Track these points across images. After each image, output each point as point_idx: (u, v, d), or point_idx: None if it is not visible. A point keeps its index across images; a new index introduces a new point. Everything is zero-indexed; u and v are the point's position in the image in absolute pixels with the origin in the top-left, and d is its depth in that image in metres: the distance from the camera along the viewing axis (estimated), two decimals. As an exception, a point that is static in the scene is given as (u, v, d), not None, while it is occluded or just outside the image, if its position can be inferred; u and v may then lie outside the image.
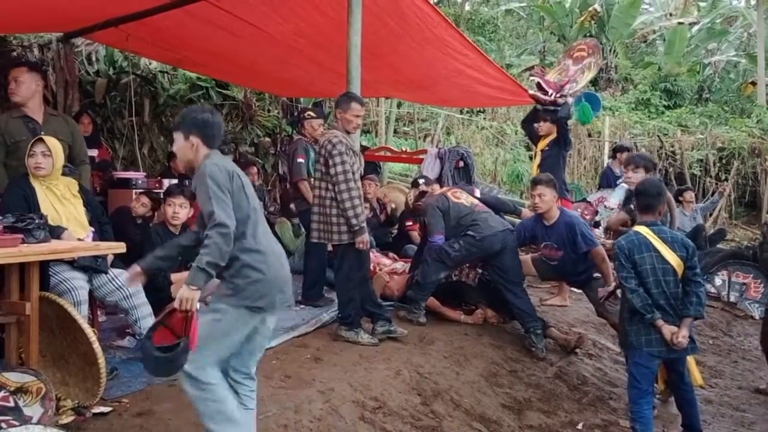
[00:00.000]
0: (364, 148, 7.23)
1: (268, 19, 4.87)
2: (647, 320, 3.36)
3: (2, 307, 2.84)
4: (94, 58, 7.40)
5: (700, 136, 14.44)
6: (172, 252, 2.69)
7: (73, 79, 6.06)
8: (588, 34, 17.70)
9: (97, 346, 2.81)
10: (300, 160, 5.20)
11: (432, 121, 14.10)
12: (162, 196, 4.71)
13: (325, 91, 7.92)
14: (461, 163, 6.80)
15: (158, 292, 3.73)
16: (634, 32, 20.62)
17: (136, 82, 7.12)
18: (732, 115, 16.49)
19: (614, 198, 5.34)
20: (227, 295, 2.48)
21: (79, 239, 3.28)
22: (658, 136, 14.11)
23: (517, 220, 7.01)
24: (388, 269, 5.57)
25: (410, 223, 6.46)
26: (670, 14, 21.22)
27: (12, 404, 2.66)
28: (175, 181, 5.51)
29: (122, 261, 3.58)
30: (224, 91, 8.49)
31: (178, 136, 2.58)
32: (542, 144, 6.19)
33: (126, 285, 3.30)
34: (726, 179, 13.38)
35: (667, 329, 3.33)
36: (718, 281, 7.56)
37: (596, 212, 5.46)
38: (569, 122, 6.32)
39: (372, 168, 7.76)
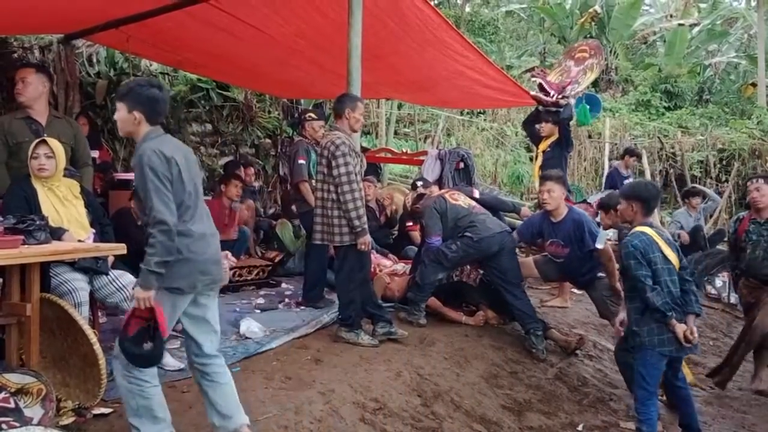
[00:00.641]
0: (364, 150, 7.23)
1: (269, 20, 4.87)
2: (666, 319, 3.36)
3: (3, 309, 2.85)
4: (94, 60, 7.40)
5: (701, 137, 14.45)
6: None
7: (74, 80, 6.05)
8: (588, 36, 17.72)
9: (97, 347, 2.81)
10: (301, 161, 5.21)
11: (432, 123, 14.12)
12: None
13: (326, 92, 7.91)
14: (461, 165, 6.81)
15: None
16: (635, 34, 20.65)
17: (137, 83, 7.11)
18: (732, 116, 16.50)
19: None
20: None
21: (80, 241, 3.28)
22: (658, 137, 14.12)
23: (517, 220, 7.03)
24: (389, 270, 5.57)
25: (410, 224, 6.47)
26: (671, 16, 21.24)
27: (12, 405, 2.67)
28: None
29: (123, 262, 3.58)
30: (225, 93, 8.49)
31: (121, 107, 2.60)
32: (544, 145, 6.20)
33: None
34: (726, 180, 13.39)
35: (680, 327, 3.36)
36: (718, 282, 7.56)
37: (596, 213, 5.45)
38: (571, 123, 6.33)
39: (372, 169, 7.77)
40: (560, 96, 6.11)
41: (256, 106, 8.91)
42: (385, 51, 5.29)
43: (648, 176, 11.10)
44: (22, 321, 2.83)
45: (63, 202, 3.39)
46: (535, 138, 6.51)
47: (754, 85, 17.81)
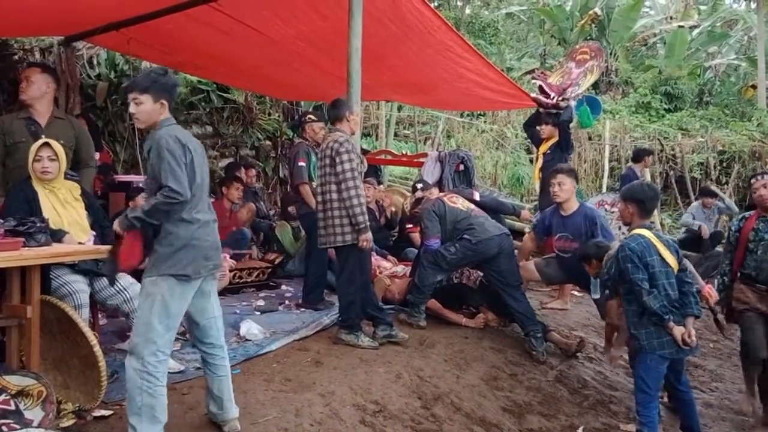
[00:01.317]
0: (364, 152, 7.24)
1: (270, 22, 4.88)
2: (664, 322, 3.35)
3: (3, 311, 2.85)
4: (95, 62, 7.41)
5: (701, 139, 14.44)
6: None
7: (75, 82, 6.06)
8: (588, 38, 17.72)
9: (98, 349, 2.81)
10: (301, 163, 5.21)
11: (432, 125, 14.12)
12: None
13: (326, 94, 7.90)
14: (461, 167, 6.81)
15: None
16: (635, 35, 20.66)
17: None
18: (732, 118, 16.49)
19: None
20: (153, 266, 2.61)
21: (81, 243, 3.28)
22: (658, 139, 14.12)
23: (517, 223, 7.02)
24: (389, 272, 5.58)
25: (410, 226, 6.47)
26: (671, 17, 21.24)
27: (13, 407, 2.67)
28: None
29: (123, 264, 3.58)
30: (225, 95, 8.50)
31: (146, 99, 2.66)
32: (544, 147, 6.21)
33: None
34: (727, 182, 13.39)
35: (678, 330, 3.35)
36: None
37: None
38: (571, 125, 6.34)
39: (372, 171, 7.77)
40: (560, 98, 6.12)
41: (256, 108, 8.92)
42: (385, 53, 5.30)
43: (648, 178, 11.09)
44: (22, 323, 2.83)
45: (63, 205, 3.40)
46: (536, 140, 6.52)
47: (754, 87, 17.81)
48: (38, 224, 2.93)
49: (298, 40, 5.23)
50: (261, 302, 5.29)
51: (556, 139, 6.05)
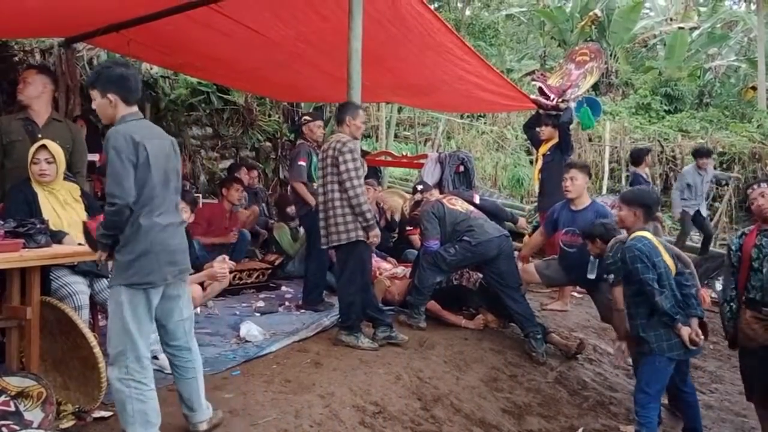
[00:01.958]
0: (364, 153, 7.25)
1: (270, 24, 4.88)
2: (674, 322, 3.34)
3: (3, 312, 2.85)
4: (95, 63, 7.42)
5: (701, 140, 14.44)
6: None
7: (75, 84, 6.07)
8: (588, 39, 17.73)
9: (97, 350, 2.80)
10: (301, 163, 5.21)
11: (432, 126, 14.13)
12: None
13: (326, 96, 7.94)
14: (461, 168, 6.82)
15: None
16: (635, 37, 20.66)
17: (138, 86, 7.13)
18: (732, 119, 16.50)
19: None
20: (116, 274, 2.54)
21: (81, 244, 3.28)
22: (658, 140, 14.13)
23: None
24: (389, 274, 5.58)
25: (411, 228, 6.47)
26: (671, 19, 21.26)
27: (13, 409, 2.67)
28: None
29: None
30: (225, 96, 8.51)
31: (95, 94, 2.59)
32: (544, 148, 6.21)
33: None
34: (726, 184, 13.38)
35: (685, 330, 3.34)
36: (718, 286, 7.52)
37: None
38: (571, 127, 6.34)
39: (372, 172, 7.78)
40: (560, 100, 6.13)
41: (256, 109, 8.93)
42: (385, 55, 5.31)
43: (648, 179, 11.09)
44: (22, 324, 2.83)
45: (63, 206, 3.40)
46: (536, 141, 6.52)
47: (754, 88, 17.81)
48: (38, 225, 2.94)
49: (298, 42, 5.24)
50: (261, 303, 5.30)
51: (555, 140, 6.05)
